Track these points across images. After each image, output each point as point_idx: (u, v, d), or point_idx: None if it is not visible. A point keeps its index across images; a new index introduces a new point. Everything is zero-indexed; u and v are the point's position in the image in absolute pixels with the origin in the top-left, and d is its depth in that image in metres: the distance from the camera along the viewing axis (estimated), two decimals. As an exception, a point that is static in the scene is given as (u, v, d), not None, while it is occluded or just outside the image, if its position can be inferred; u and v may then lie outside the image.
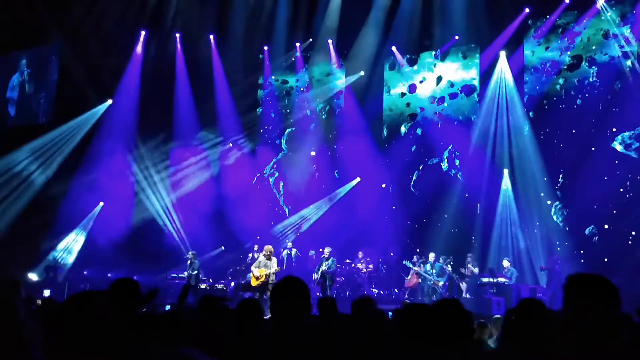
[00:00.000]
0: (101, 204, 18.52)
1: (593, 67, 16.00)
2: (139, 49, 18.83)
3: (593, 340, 2.35)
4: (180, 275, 15.99)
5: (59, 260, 17.61)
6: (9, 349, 1.55)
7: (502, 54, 17.06)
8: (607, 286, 2.42)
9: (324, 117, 19.49)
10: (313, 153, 19.40)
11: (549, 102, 16.70)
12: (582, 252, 15.12)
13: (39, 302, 7.47)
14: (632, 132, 15.21)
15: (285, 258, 16.07)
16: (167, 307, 8.68)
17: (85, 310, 2.61)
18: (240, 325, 4.23)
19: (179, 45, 19.14)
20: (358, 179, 18.43)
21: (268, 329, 4.07)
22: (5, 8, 17.08)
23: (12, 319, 1.59)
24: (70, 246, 18.15)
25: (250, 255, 16.08)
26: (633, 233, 14.65)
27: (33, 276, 16.27)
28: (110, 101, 18.70)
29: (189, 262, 15.33)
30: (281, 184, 19.61)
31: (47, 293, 13.83)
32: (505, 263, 14.75)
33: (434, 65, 18.36)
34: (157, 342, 2.73)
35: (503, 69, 17.10)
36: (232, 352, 3.27)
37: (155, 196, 19.08)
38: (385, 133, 19.03)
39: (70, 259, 18.00)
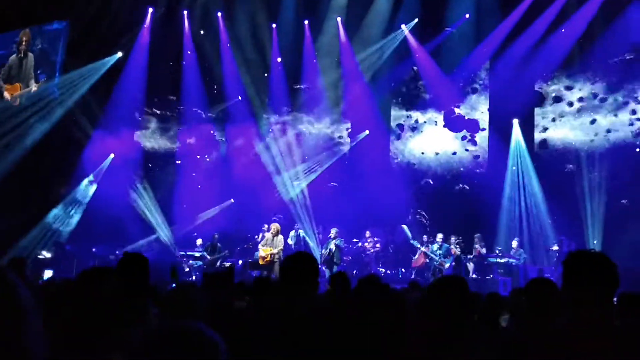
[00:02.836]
0: (112, 155, 18.54)
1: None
2: (146, 26, 18.72)
3: (591, 317, 2.33)
4: (188, 253, 16.09)
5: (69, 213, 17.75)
6: (8, 332, 1.51)
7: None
8: (605, 263, 2.40)
9: (332, 94, 19.35)
10: (328, 130, 19.39)
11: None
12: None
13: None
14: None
15: (294, 239, 16.11)
16: (174, 286, 8.70)
17: (97, 286, 2.60)
18: (255, 302, 4.24)
19: (186, 23, 19.01)
20: (367, 132, 18.39)
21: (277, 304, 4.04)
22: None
23: (11, 301, 1.56)
24: (78, 200, 18.26)
25: (260, 234, 16.13)
26: None
27: (46, 254, 16.39)
28: (120, 53, 18.57)
29: (216, 245, 15.54)
30: (290, 160, 19.55)
31: (49, 273, 13.82)
32: (514, 243, 14.76)
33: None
34: (163, 316, 2.72)
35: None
36: (243, 328, 3.27)
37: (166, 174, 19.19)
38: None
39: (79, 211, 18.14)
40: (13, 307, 1.49)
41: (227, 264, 15.71)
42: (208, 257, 15.60)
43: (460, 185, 17.75)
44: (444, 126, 18.46)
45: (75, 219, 18.04)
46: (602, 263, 2.41)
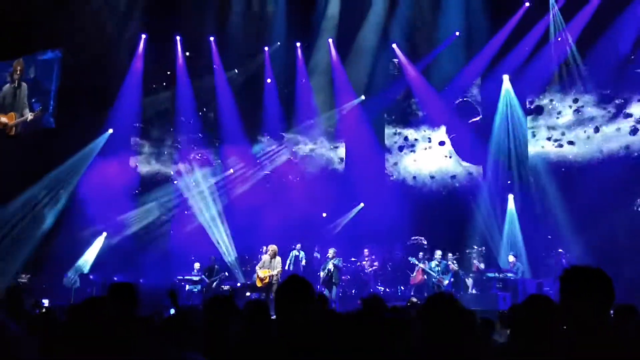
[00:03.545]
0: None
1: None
2: (139, 52, 18.84)
3: (589, 331, 2.37)
4: (186, 277, 16.02)
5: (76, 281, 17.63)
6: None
7: (506, 78, 17.14)
8: (601, 278, 2.45)
9: (326, 114, 19.44)
10: (323, 150, 19.47)
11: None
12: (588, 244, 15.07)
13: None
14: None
15: (292, 259, 16.09)
16: (172, 310, 8.64)
17: (90, 319, 2.62)
18: (247, 327, 4.24)
19: (179, 47, 19.14)
20: (362, 205, 18.45)
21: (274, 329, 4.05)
22: (7, 15, 17.10)
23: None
24: (88, 259, 18.18)
25: (260, 257, 16.10)
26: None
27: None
28: (110, 130, 18.66)
29: (214, 268, 15.51)
30: (285, 181, 19.57)
31: (46, 302, 13.55)
32: (511, 258, 14.76)
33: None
34: (162, 347, 2.73)
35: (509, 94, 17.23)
36: (236, 354, 3.27)
37: (159, 200, 19.17)
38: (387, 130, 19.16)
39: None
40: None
41: (226, 287, 15.70)
42: (207, 280, 15.58)
43: (456, 201, 17.76)
44: (441, 143, 18.50)
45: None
46: (598, 277, 2.46)
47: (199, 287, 15.51)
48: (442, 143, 18.47)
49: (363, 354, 2.88)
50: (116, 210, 18.35)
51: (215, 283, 15.59)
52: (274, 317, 4.93)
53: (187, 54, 19.29)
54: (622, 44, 15.54)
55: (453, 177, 18.27)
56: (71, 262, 17.70)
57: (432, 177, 18.47)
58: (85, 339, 2.52)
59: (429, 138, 18.74)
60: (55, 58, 19.12)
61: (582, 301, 2.41)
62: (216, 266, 15.92)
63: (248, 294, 14.69)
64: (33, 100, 19.21)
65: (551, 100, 17.14)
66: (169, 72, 19.23)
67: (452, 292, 14.24)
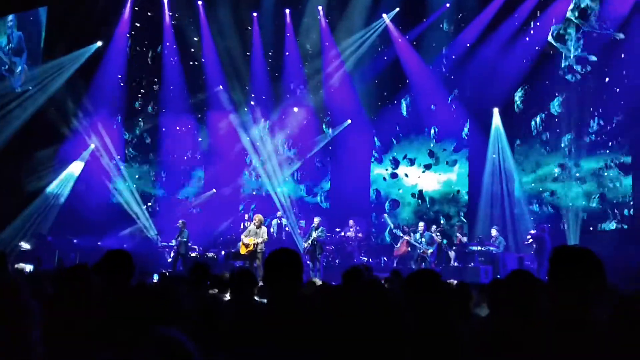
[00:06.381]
0: (92, 146, 18.36)
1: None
2: (126, 14, 18.49)
3: (576, 313, 2.38)
4: (170, 243, 16.03)
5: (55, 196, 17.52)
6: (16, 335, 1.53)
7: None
8: (591, 259, 2.43)
9: (314, 83, 19.32)
10: (310, 119, 19.40)
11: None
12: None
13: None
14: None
15: (275, 228, 16.11)
16: (155, 276, 8.67)
17: (80, 285, 2.59)
18: (236, 295, 4.26)
19: (166, 10, 18.80)
20: (349, 121, 18.46)
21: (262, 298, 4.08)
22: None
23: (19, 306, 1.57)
24: (64, 184, 18.13)
25: (242, 224, 16.11)
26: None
27: (25, 245, 16.20)
28: (100, 42, 18.34)
29: (179, 230, 15.42)
30: (274, 152, 19.53)
31: (29, 268, 13.37)
32: (494, 232, 14.86)
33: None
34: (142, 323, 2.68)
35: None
36: (225, 322, 3.29)
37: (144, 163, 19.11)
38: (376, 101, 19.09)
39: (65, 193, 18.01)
40: (21, 312, 1.51)
41: (210, 255, 15.73)
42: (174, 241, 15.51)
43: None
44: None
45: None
46: (588, 259, 2.43)
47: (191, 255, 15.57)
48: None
49: (347, 326, 2.91)
50: (100, 175, 18.28)
51: (182, 247, 15.50)
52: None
53: (182, 20, 18.97)
54: (609, 24, 15.49)
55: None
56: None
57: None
58: (74, 308, 2.49)
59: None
60: (41, 16, 18.76)
61: (570, 282, 2.39)
62: (185, 230, 15.75)
63: (232, 261, 14.74)
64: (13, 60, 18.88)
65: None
66: (155, 35, 18.94)
67: (435, 263, 14.42)
